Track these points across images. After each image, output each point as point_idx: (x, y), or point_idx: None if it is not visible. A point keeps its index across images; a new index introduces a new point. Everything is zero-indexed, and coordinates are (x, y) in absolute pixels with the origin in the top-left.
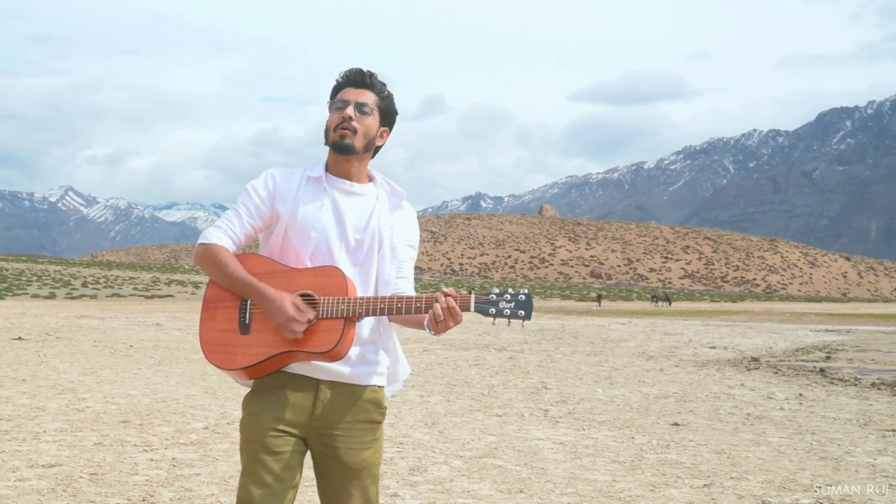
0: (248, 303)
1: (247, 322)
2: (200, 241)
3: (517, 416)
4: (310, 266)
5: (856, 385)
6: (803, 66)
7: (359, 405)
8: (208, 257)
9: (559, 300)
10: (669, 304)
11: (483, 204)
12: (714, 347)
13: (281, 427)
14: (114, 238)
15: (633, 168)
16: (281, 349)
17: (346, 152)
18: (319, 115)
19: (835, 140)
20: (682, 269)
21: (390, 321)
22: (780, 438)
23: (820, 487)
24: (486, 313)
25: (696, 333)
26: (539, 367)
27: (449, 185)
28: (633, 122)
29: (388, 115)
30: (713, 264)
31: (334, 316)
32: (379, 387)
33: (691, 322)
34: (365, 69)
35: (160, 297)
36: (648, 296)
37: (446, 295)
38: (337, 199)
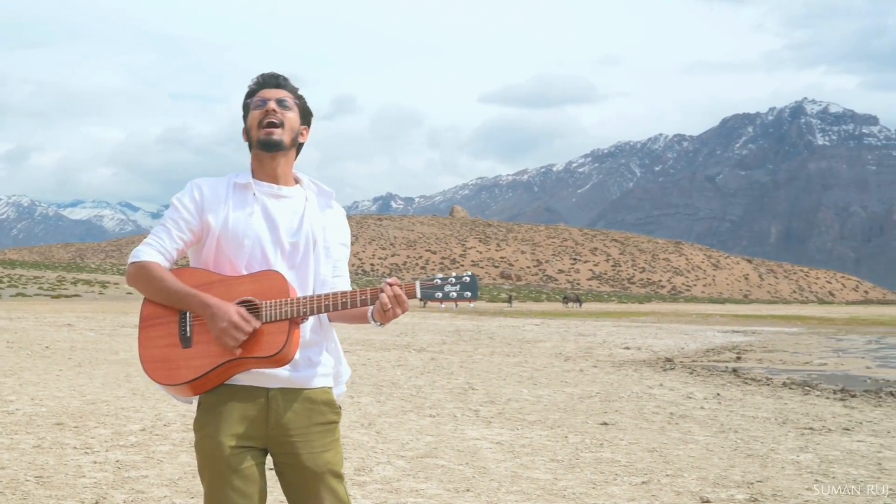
0: (188, 315)
1: (188, 335)
2: (131, 259)
3: (450, 416)
4: (245, 274)
5: (768, 385)
6: (708, 73)
7: (313, 408)
8: (142, 275)
9: None
10: (580, 305)
11: (394, 204)
12: (628, 348)
13: (240, 443)
14: (16, 236)
15: (543, 170)
16: (226, 358)
17: (274, 148)
18: (229, 112)
19: (737, 145)
20: (591, 270)
21: (331, 320)
22: (706, 437)
23: (752, 484)
24: (432, 298)
25: (609, 334)
26: (462, 367)
27: (360, 185)
28: (543, 125)
29: (306, 114)
30: (620, 266)
31: (278, 318)
32: (328, 388)
33: (602, 323)
34: (278, 73)
35: (67, 296)
36: (559, 297)
37: (391, 284)
38: (266, 204)
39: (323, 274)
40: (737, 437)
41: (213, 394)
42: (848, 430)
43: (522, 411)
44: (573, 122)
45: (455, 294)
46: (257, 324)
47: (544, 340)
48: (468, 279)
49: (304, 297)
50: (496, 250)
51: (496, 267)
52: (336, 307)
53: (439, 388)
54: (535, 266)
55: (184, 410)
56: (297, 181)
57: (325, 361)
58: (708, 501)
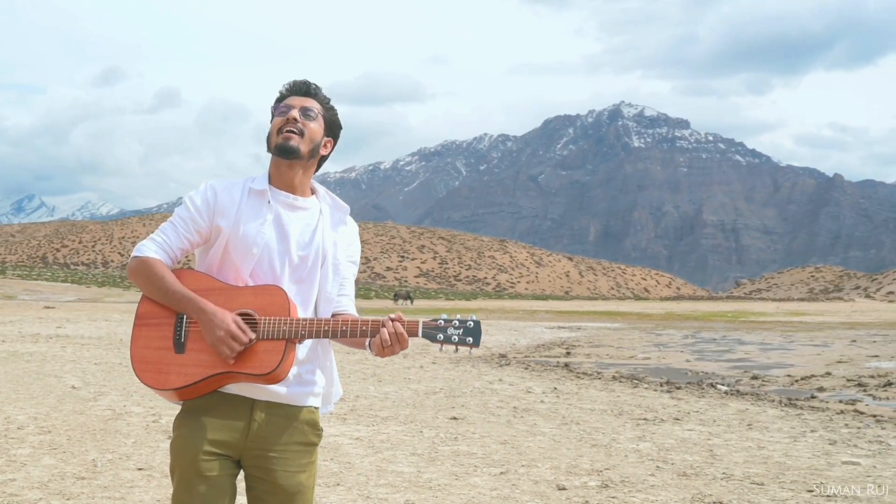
0: (185, 320)
1: (182, 340)
2: (135, 254)
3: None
4: (250, 283)
5: (600, 378)
6: (531, 75)
7: (295, 426)
8: (143, 271)
9: None
10: (411, 302)
11: None
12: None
13: (214, 449)
14: None
15: (370, 168)
16: (218, 370)
17: (290, 155)
18: (48, 103)
19: (558, 146)
20: (418, 267)
21: (330, 341)
22: (552, 429)
23: (601, 471)
24: (433, 339)
25: None
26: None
27: (185, 180)
28: (371, 123)
29: (332, 126)
30: (447, 263)
31: (275, 337)
32: (315, 408)
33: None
34: (310, 81)
35: None
36: (389, 294)
37: (394, 320)
38: (280, 213)
39: (329, 291)
40: (580, 429)
41: (200, 398)
42: (678, 419)
43: (373, 408)
44: (401, 120)
45: (457, 338)
46: (253, 336)
47: None
48: (472, 324)
49: (305, 319)
50: None
51: None
52: (335, 334)
53: None
54: (363, 263)
55: (34, 414)
56: (313, 192)
57: (318, 381)
58: (564, 488)
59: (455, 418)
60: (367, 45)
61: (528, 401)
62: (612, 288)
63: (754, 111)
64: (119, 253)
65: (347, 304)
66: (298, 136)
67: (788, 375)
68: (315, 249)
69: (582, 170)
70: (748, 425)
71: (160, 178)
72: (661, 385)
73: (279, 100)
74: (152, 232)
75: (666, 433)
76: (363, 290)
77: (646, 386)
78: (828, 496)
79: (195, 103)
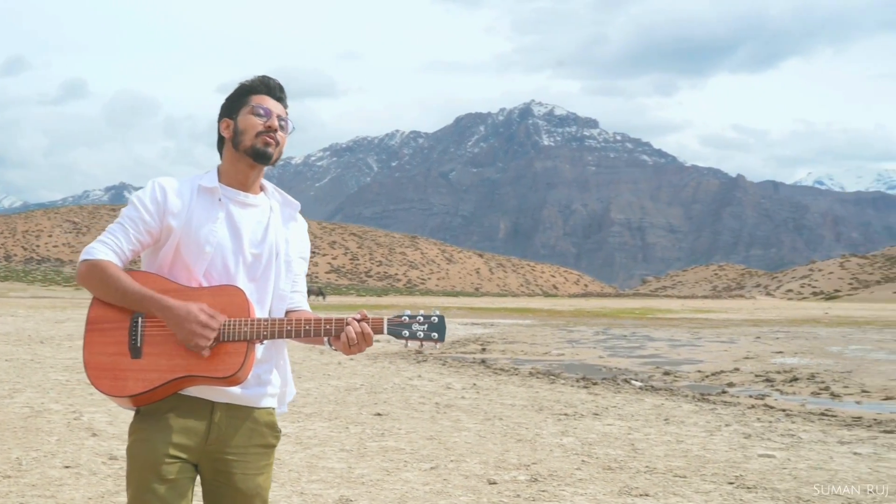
0: (140, 324)
1: (138, 345)
2: (84, 257)
3: None
4: (204, 283)
5: (517, 374)
6: (443, 72)
7: (254, 428)
8: (96, 273)
9: None
10: (324, 298)
11: (127, 195)
12: (378, 341)
13: (174, 452)
14: None
15: (282, 163)
16: (177, 374)
17: (265, 161)
18: None
19: (470, 143)
20: (329, 263)
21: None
22: (475, 424)
23: (528, 466)
24: (398, 336)
25: None
26: None
27: (91, 173)
28: None
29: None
30: (358, 259)
31: (236, 339)
32: (272, 409)
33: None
34: (276, 81)
35: None
36: None
37: (359, 320)
38: (232, 211)
39: (282, 288)
40: (503, 424)
41: (158, 401)
42: (598, 415)
43: (297, 404)
44: (313, 115)
45: (422, 334)
46: (223, 319)
47: None
48: (436, 319)
49: (266, 320)
50: None
51: None
52: (298, 334)
53: None
54: None
55: None
56: (261, 189)
57: (274, 381)
58: (495, 483)
59: (379, 414)
60: (279, 40)
61: (449, 397)
62: (522, 285)
63: (661, 112)
64: (22, 247)
65: (301, 301)
66: (274, 145)
67: (699, 371)
68: (268, 247)
69: (492, 167)
70: (665, 420)
71: (65, 171)
72: (577, 381)
73: (248, 92)
74: (57, 226)
75: (587, 428)
76: None
77: (563, 382)
78: (748, 488)
79: (102, 95)
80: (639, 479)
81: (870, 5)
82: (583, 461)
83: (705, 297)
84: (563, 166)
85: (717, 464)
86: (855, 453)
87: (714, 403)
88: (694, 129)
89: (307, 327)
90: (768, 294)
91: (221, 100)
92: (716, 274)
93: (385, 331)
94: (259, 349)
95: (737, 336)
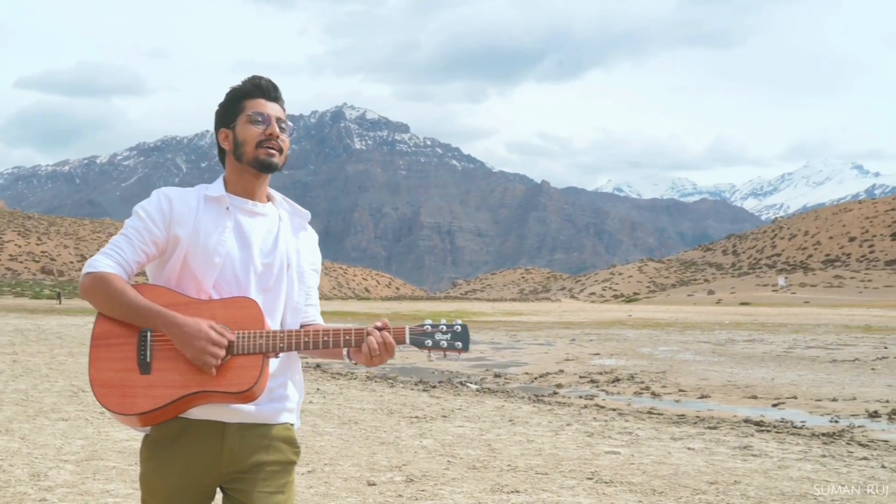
0: (148, 338)
1: (147, 360)
2: (88, 270)
3: (81, 419)
4: (214, 295)
5: (355, 378)
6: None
7: (271, 445)
8: (100, 287)
9: (12, 297)
10: (59, 302)
11: None
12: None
13: (186, 484)
14: None
15: (86, 162)
16: (190, 389)
17: (270, 171)
18: None
19: None
20: None
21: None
22: (334, 428)
23: (400, 467)
24: (421, 346)
25: None
26: (53, 370)
27: None
28: (87, 115)
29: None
30: None
31: (252, 351)
32: (291, 424)
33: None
34: (270, 80)
35: None
36: None
37: (380, 329)
38: (240, 220)
39: (296, 301)
40: (361, 428)
41: (163, 426)
42: (446, 417)
43: None
44: (119, 113)
45: (445, 343)
46: (233, 337)
47: None
48: (459, 328)
49: (282, 332)
50: (37, 244)
51: (37, 262)
52: (317, 346)
53: (46, 391)
54: (79, 261)
55: None
56: (269, 198)
57: (290, 395)
58: (374, 484)
59: None
60: (83, 34)
61: None
62: (334, 288)
63: (470, 118)
64: None
65: (315, 315)
66: (278, 153)
67: (527, 373)
68: (279, 257)
69: (304, 170)
70: (510, 421)
71: None
72: (416, 384)
73: (241, 97)
74: None
75: (441, 430)
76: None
77: (401, 385)
78: (607, 482)
79: None
80: (505, 477)
81: (666, 22)
82: (448, 462)
83: (514, 299)
84: (374, 170)
85: (571, 461)
86: (689, 448)
87: (550, 404)
88: (501, 135)
89: (325, 338)
90: (573, 297)
91: (22, 95)
92: (523, 277)
93: (407, 340)
94: (273, 363)
95: (552, 338)
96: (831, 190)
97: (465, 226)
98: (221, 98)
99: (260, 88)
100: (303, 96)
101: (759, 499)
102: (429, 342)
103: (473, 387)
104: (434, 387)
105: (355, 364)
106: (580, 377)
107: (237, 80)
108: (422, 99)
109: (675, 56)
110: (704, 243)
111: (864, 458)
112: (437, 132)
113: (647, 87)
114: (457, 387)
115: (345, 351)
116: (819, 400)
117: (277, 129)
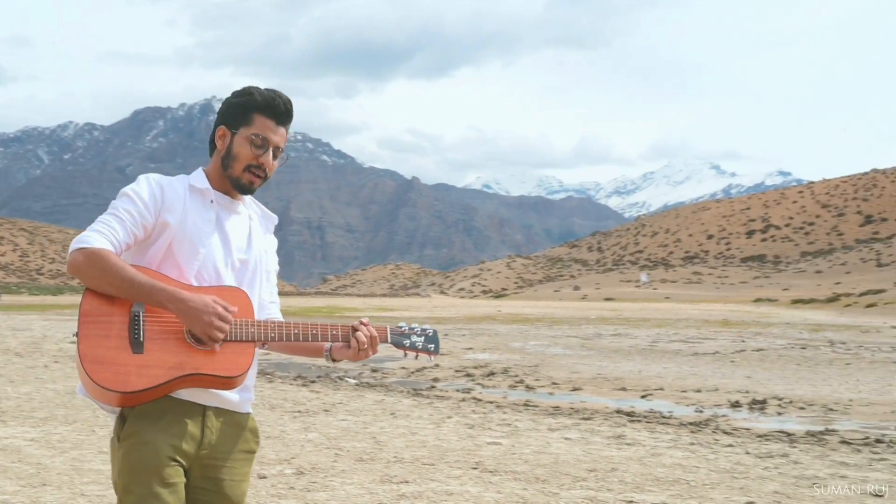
0: (141, 317)
1: (140, 339)
2: (79, 245)
3: None
4: (195, 284)
5: None
6: (122, 64)
7: (240, 434)
8: (97, 262)
9: None
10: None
11: None
12: (74, 342)
13: (175, 456)
14: None
15: None
16: (185, 371)
17: (246, 194)
18: None
19: (148, 138)
20: None
21: (273, 349)
22: None
23: (289, 460)
24: (399, 345)
25: (45, 328)
26: None
27: None
28: None
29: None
30: (29, 256)
31: (244, 339)
32: (251, 414)
33: (27, 317)
34: (288, 99)
35: None
36: None
37: (364, 324)
38: (221, 215)
39: (263, 298)
40: None
41: (148, 403)
42: (328, 411)
43: (24, 408)
44: None
45: (421, 345)
46: (235, 309)
47: None
48: (431, 332)
49: (272, 322)
50: None
51: None
52: (306, 338)
53: None
54: None
55: None
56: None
57: (252, 387)
58: (265, 477)
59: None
60: None
61: None
62: None
63: (341, 113)
64: None
65: (276, 311)
66: (261, 180)
67: (403, 368)
68: (254, 255)
69: (172, 163)
70: (392, 414)
71: None
72: (294, 379)
73: (254, 108)
74: None
75: (325, 424)
76: None
77: (280, 380)
78: (492, 471)
79: None
80: (394, 468)
81: (535, 23)
82: (336, 454)
83: (384, 295)
84: None
85: (455, 452)
86: (566, 438)
87: (429, 398)
88: (372, 131)
89: (314, 332)
90: (443, 292)
91: None
92: (393, 273)
93: (388, 339)
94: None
95: None
96: (691, 189)
97: (335, 221)
98: (238, 88)
99: (273, 110)
100: (171, 88)
101: (636, 484)
102: (407, 343)
103: (352, 381)
104: (313, 381)
105: (334, 363)
106: (455, 371)
107: (104, 71)
108: (292, 93)
109: (544, 56)
110: (570, 240)
111: (730, 445)
112: (307, 127)
113: (517, 85)
114: (335, 381)
115: (328, 350)
116: (684, 391)
117: (270, 159)
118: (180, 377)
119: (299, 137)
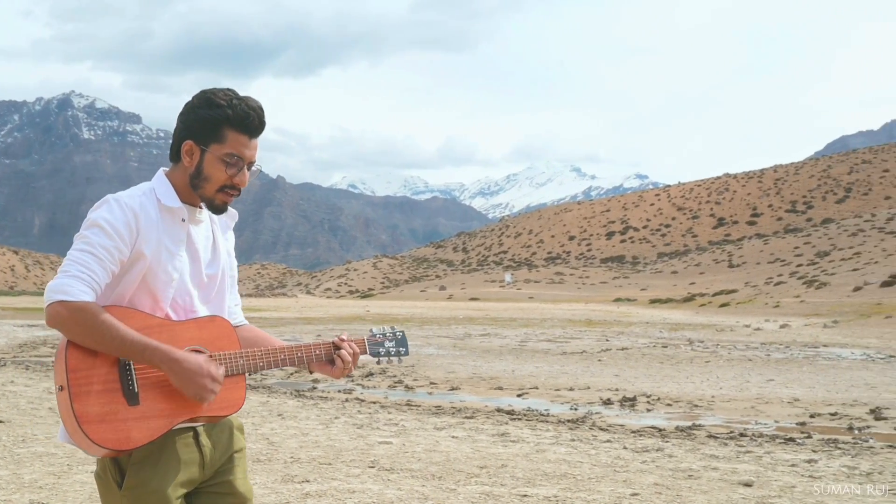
0: (132, 367)
1: (135, 390)
2: (61, 298)
3: None
4: (170, 313)
5: None
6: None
7: (233, 435)
8: (85, 320)
9: None
10: None
11: None
12: None
13: (183, 493)
14: None
15: None
16: (183, 417)
17: (221, 213)
18: None
19: (2, 133)
20: None
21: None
22: None
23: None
24: (376, 354)
25: None
26: None
27: None
28: None
29: None
30: None
31: (236, 372)
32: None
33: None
34: (260, 107)
35: None
36: None
37: (345, 340)
38: (191, 232)
39: (230, 305)
40: None
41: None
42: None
43: None
44: None
45: (393, 351)
46: (224, 370)
47: None
48: (400, 335)
49: (259, 351)
50: None
51: None
52: (292, 363)
53: None
54: None
55: None
56: None
57: None
58: None
59: (2, 422)
60: None
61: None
62: None
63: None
64: None
65: (241, 315)
66: (235, 197)
67: (282, 368)
68: (220, 267)
69: (28, 159)
70: (279, 415)
71: None
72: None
73: (226, 123)
74: None
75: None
76: None
77: None
78: (389, 470)
79: None
80: (292, 468)
81: (401, 24)
82: (300, 444)
83: (250, 295)
84: (104, 161)
85: (349, 451)
86: (453, 437)
87: (313, 398)
88: None
89: (299, 354)
90: (309, 292)
91: None
92: (258, 273)
93: (367, 352)
94: None
95: (297, 334)
96: (552, 191)
97: None
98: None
99: (247, 126)
100: (27, 81)
101: (527, 479)
102: (382, 351)
103: None
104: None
105: (310, 373)
106: None
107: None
108: (155, 90)
109: (410, 57)
110: (436, 240)
111: (608, 441)
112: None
113: (383, 86)
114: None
115: (305, 363)
116: (558, 389)
117: (246, 178)
118: (180, 423)
119: (162, 134)
